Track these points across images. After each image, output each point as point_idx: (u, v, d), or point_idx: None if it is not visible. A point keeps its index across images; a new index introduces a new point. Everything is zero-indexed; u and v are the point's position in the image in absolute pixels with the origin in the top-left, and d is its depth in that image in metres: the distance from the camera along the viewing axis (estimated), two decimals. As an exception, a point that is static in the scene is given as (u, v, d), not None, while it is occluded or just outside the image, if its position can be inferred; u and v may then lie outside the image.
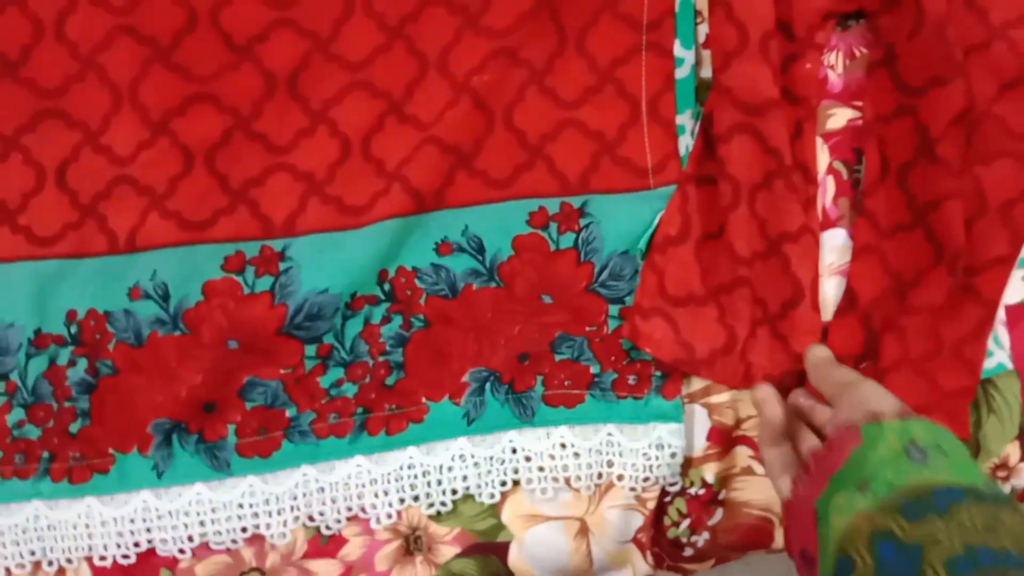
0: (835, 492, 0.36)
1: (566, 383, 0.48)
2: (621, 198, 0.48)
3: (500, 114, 0.47)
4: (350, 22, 0.46)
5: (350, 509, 0.48)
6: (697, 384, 0.48)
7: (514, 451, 0.48)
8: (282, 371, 0.47)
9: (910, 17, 0.44)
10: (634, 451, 0.48)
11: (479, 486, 0.48)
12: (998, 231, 0.45)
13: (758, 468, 0.49)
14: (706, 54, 0.48)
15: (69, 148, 0.46)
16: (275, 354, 0.47)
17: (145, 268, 0.46)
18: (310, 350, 0.47)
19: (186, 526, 0.46)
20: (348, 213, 0.46)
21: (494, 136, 0.47)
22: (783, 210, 0.46)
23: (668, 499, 0.49)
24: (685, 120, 0.48)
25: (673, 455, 0.47)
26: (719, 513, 0.49)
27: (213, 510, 0.47)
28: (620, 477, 0.48)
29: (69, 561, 0.47)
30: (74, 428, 0.46)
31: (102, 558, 0.47)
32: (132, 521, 0.46)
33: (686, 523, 0.49)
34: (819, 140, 0.48)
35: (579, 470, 0.48)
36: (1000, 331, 0.48)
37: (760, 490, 0.49)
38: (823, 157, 0.48)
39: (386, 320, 0.47)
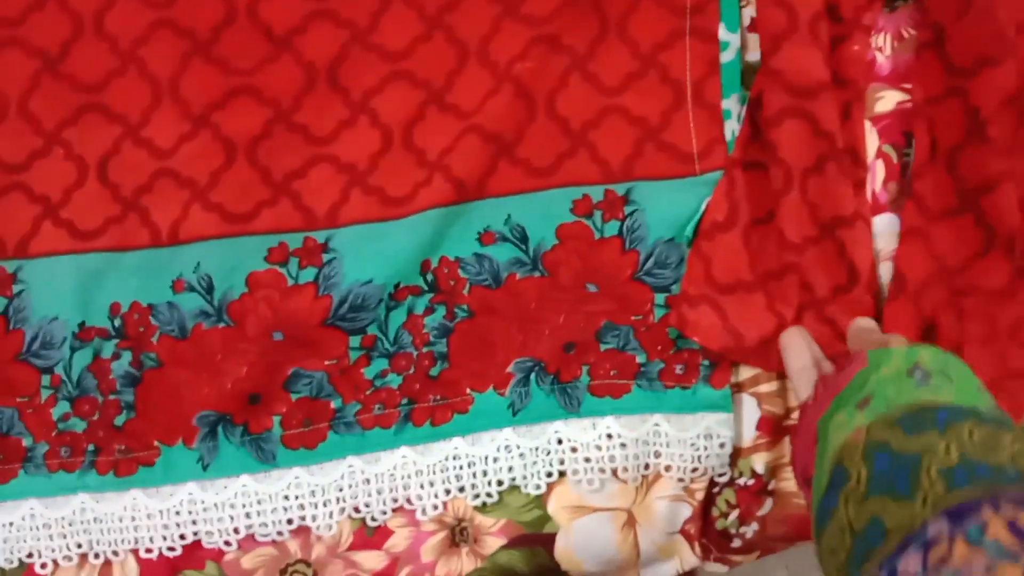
0: (836, 411, 0.36)
1: (612, 373, 0.47)
2: (666, 185, 0.47)
3: (542, 102, 0.46)
4: (389, 12, 0.46)
5: (396, 500, 0.47)
6: (746, 373, 0.48)
7: (560, 442, 0.47)
8: (327, 362, 0.47)
9: None
10: (682, 441, 0.47)
11: (525, 477, 0.47)
12: None
13: (807, 458, 0.48)
14: (751, 37, 0.47)
15: (110, 142, 0.46)
16: (320, 345, 0.46)
17: (188, 261, 0.46)
18: (354, 341, 0.47)
19: (232, 518, 0.46)
20: (390, 204, 0.46)
21: (536, 124, 0.47)
22: (836, 194, 0.45)
23: (717, 490, 0.48)
24: (731, 105, 0.47)
25: (722, 445, 0.47)
26: (768, 503, 0.48)
27: (259, 502, 0.46)
28: (668, 468, 0.47)
29: (115, 554, 0.47)
30: (119, 421, 0.46)
31: (148, 551, 0.47)
32: (178, 513, 0.46)
33: (735, 514, 0.48)
34: (868, 123, 0.47)
35: (626, 461, 0.47)
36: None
37: (810, 481, 0.48)
38: (872, 141, 0.47)
39: (429, 311, 0.47)
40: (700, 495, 0.48)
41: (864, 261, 0.45)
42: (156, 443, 0.46)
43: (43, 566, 0.47)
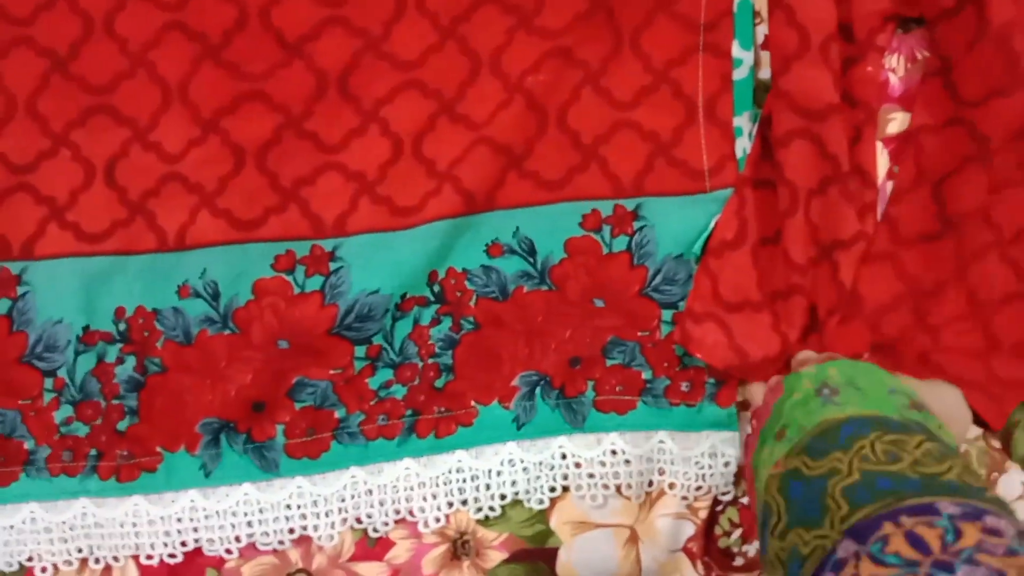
0: (762, 446, 0.37)
1: (617, 389, 0.47)
2: (676, 201, 0.47)
3: (553, 115, 0.46)
4: (402, 21, 0.46)
5: (398, 512, 0.47)
6: (751, 392, 0.48)
7: (564, 457, 0.47)
8: (331, 372, 0.46)
9: (971, 26, 0.43)
10: (687, 459, 0.47)
11: (528, 491, 0.47)
12: None
13: (810, 478, 0.48)
14: (765, 55, 0.47)
15: (118, 145, 0.46)
16: (325, 355, 0.46)
17: (195, 266, 0.46)
18: (360, 351, 0.46)
19: (233, 526, 0.46)
20: (399, 213, 0.46)
21: (547, 137, 0.46)
22: (837, 217, 0.45)
23: (720, 508, 0.48)
24: (743, 122, 0.47)
25: (727, 464, 0.47)
26: (770, 523, 0.48)
27: (261, 511, 0.46)
28: (672, 485, 0.47)
29: (116, 559, 0.47)
30: (122, 426, 0.46)
31: (149, 557, 0.47)
32: (179, 520, 0.46)
33: (738, 533, 0.48)
34: (879, 145, 0.47)
35: (630, 478, 0.47)
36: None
37: (812, 500, 0.48)
38: (883, 162, 0.47)
39: (436, 322, 0.47)
40: (703, 513, 0.48)
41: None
42: (159, 449, 0.46)
43: (43, 570, 0.47)
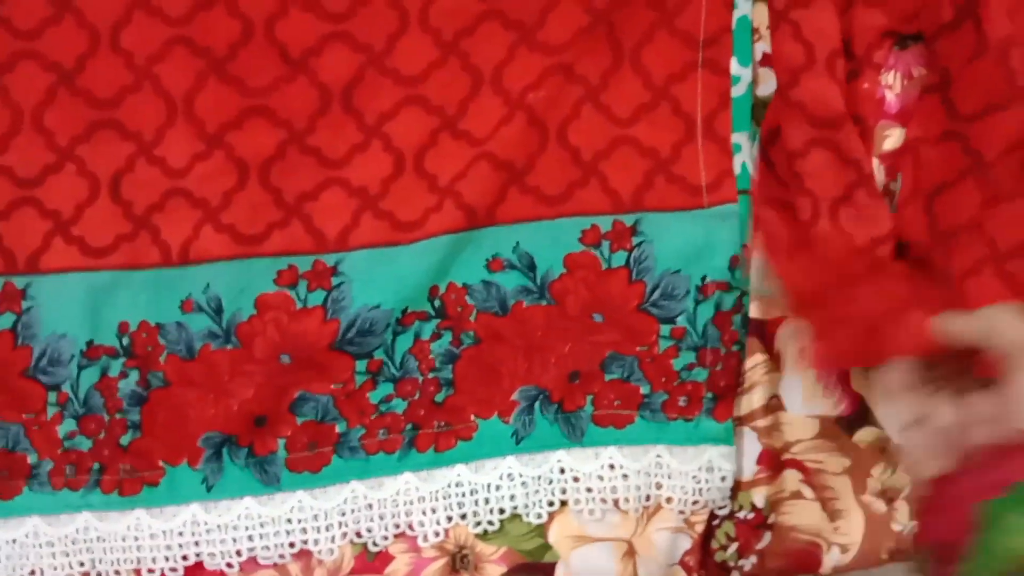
0: (1009, 509, 0.33)
1: (616, 403, 0.48)
2: (674, 216, 0.47)
3: (554, 131, 0.47)
4: (405, 37, 0.46)
5: (398, 526, 0.47)
6: (746, 407, 0.48)
7: (562, 471, 0.48)
8: (333, 386, 0.47)
9: (970, 42, 0.44)
10: (684, 474, 0.47)
11: (527, 506, 0.48)
12: None
13: (807, 492, 0.49)
14: (763, 72, 0.48)
15: (123, 159, 0.46)
16: (326, 369, 0.47)
17: (198, 281, 0.46)
18: (360, 365, 0.47)
19: (235, 540, 0.46)
20: (401, 228, 0.46)
21: (548, 153, 0.47)
22: (870, 218, 0.45)
23: (717, 522, 0.49)
24: (741, 139, 0.47)
25: (723, 478, 0.47)
26: (767, 537, 0.49)
27: (262, 525, 0.47)
28: (669, 499, 0.48)
29: (117, 573, 0.47)
30: (125, 440, 0.46)
31: (150, 571, 0.47)
32: (181, 534, 0.46)
33: (734, 547, 0.49)
34: (876, 161, 0.48)
35: (628, 492, 0.47)
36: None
37: (809, 515, 0.49)
38: (879, 177, 0.48)
39: (436, 336, 0.47)
40: (700, 527, 0.48)
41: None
42: (161, 463, 0.47)
43: (45, 583, 0.47)
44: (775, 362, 0.48)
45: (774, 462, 0.48)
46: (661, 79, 0.47)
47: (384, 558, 0.48)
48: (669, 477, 0.47)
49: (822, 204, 0.45)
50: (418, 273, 0.46)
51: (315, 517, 0.47)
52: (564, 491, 0.48)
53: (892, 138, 0.48)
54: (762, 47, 0.48)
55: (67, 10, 0.45)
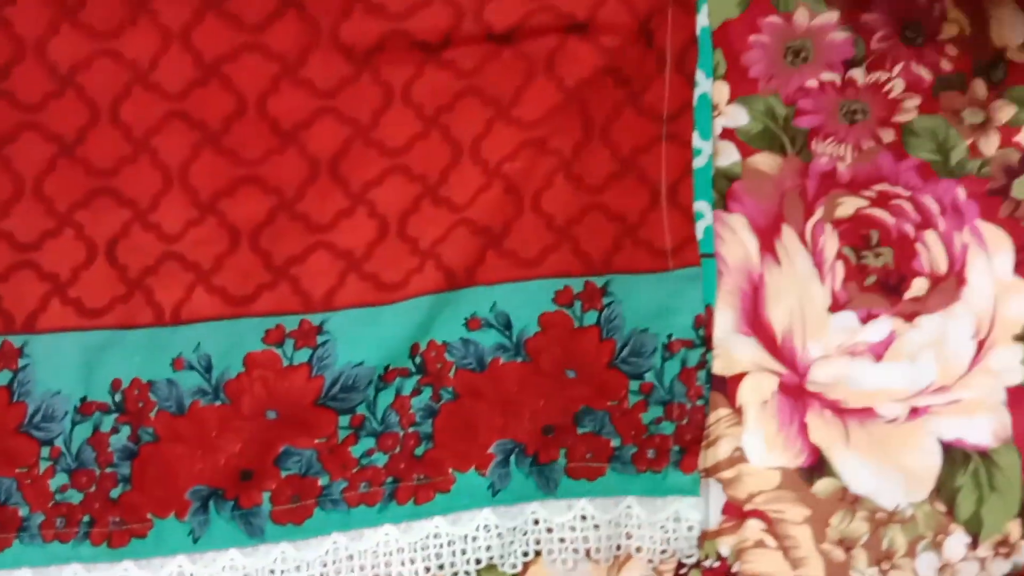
0: None
1: (588, 456, 0.50)
2: (642, 278, 0.50)
3: (529, 198, 0.49)
4: (389, 111, 0.49)
5: (377, 576, 0.49)
6: (712, 459, 0.50)
7: (536, 522, 0.49)
8: (316, 441, 0.48)
9: None
10: (652, 524, 0.49)
11: (502, 556, 0.49)
12: None
13: (770, 541, 0.51)
14: (722, 144, 0.51)
15: (120, 225, 0.48)
16: (311, 424, 0.48)
17: (189, 340, 0.48)
18: (344, 420, 0.48)
19: (219, 591, 0.48)
20: (384, 289, 0.49)
21: (523, 219, 0.49)
22: None
23: (684, 571, 0.50)
24: (702, 207, 0.51)
25: (690, 528, 0.49)
26: (733, 585, 0.51)
27: (246, 575, 0.48)
28: (639, 549, 0.49)
29: (103, 623, 0.48)
30: (115, 493, 0.48)
31: (136, 621, 0.48)
32: (167, 585, 0.47)
33: (702, 595, 0.50)
34: (828, 227, 0.51)
35: (599, 542, 0.49)
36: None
37: (772, 563, 0.50)
38: (832, 244, 0.51)
39: (416, 392, 0.49)
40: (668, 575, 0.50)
41: None
42: (149, 515, 0.48)
43: (33, 635, 0.48)
44: (738, 415, 0.51)
45: (738, 512, 0.50)
46: (628, 151, 0.50)
47: (364, 608, 0.49)
48: (639, 527, 0.49)
49: None
50: (400, 332, 0.49)
51: (297, 568, 0.48)
52: (538, 541, 0.49)
53: (844, 206, 0.51)
54: (722, 121, 0.52)
55: (69, 85, 0.48)
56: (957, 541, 0.50)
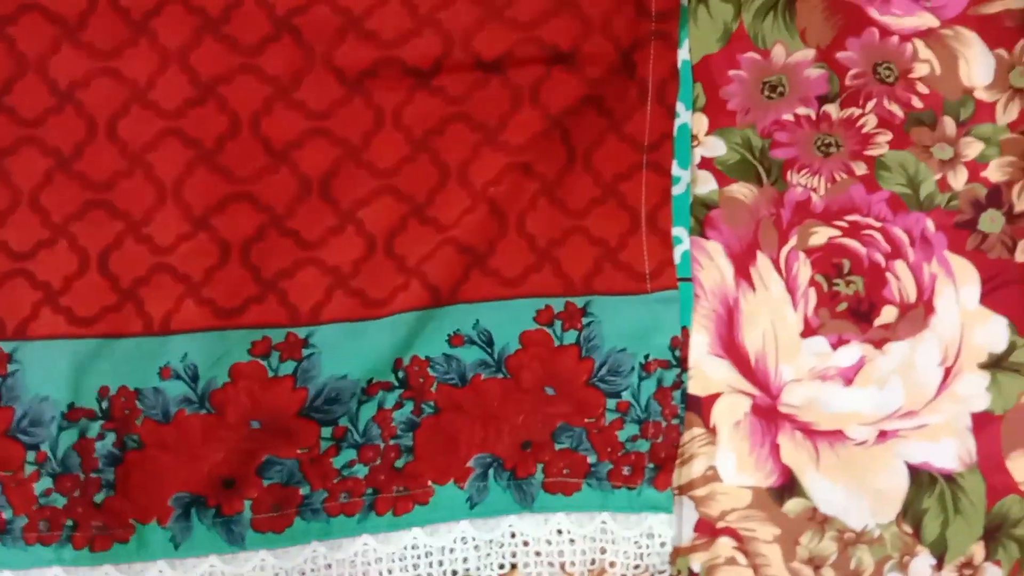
0: None
1: (564, 471, 0.51)
2: (621, 300, 0.51)
3: (513, 220, 0.51)
4: (380, 134, 0.51)
5: (355, 586, 0.49)
6: (685, 477, 0.51)
7: (513, 535, 0.50)
8: (299, 451, 0.49)
9: None
10: (626, 539, 0.50)
11: (479, 568, 0.50)
12: None
13: (741, 559, 0.52)
14: (701, 174, 0.53)
15: (113, 237, 0.49)
16: (293, 435, 0.49)
17: (177, 350, 0.49)
18: (326, 432, 0.49)
19: (198, 598, 0.48)
20: (370, 305, 0.50)
21: (507, 240, 0.51)
22: None
23: (657, 587, 0.51)
24: (680, 232, 0.52)
25: (663, 544, 0.50)
26: (705, 603, 0.51)
27: (225, 583, 0.48)
28: (612, 564, 0.50)
29: (82, 627, 0.48)
30: (99, 499, 0.48)
31: (115, 625, 0.48)
32: (147, 590, 0.48)
33: (673, 611, 0.51)
34: (802, 255, 0.53)
35: (574, 556, 0.50)
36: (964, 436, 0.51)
37: (744, 582, 0.52)
38: (805, 271, 0.53)
39: (398, 405, 0.50)
40: (642, 591, 0.51)
41: None
42: (132, 521, 0.48)
43: (11, 639, 0.48)
44: (712, 435, 0.52)
45: (710, 530, 0.51)
46: (610, 177, 0.52)
47: (341, 617, 0.50)
48: (613, 542, 0.50)
49: None
50: (384, 346, 0.50)
51: (276, 576, 0.49)
52: (515, 554, 0.50)
53: (818, 235, 0.53)
54: (700, 151, 0.54)
55: (68, 101, 0.49)
56: (923, 562, 0.51)
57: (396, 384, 0.50)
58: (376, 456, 0.50)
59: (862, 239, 0.53)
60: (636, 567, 0.50)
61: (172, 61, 0.50)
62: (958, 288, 0.53)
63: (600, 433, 0.51)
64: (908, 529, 0.51)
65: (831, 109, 0.54)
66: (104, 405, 0.49)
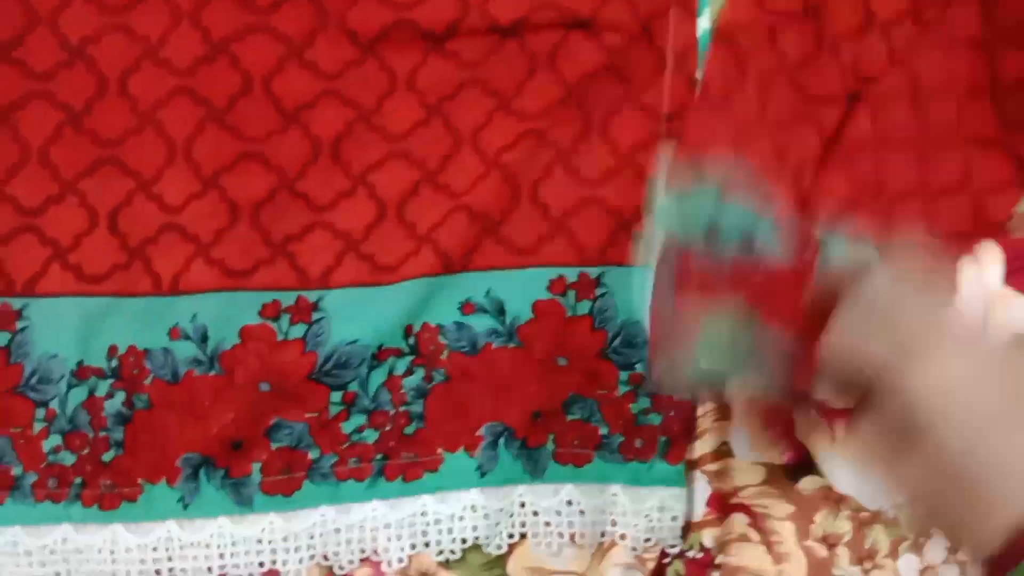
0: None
1: (575, 443, 0.50)
2: (635, 271, 0.51)
3: (527, 189, 0.50)
4: (393, 97, 0.50)
5: (363, 551, 0.49)
6: (698, 452, 0.51)
7: (523, 505, 0.50)
8: (308, 415, 0.49)
9: None
10: (637, 512, 0.50)
11: (488, 537, 0.50)
12: None
13: (754, 536, 0.51)
14: (719, 144, 0.52)
15: (123, 194, 0.49)
16: (303, 398, 0.49)
17: (186, 310, 0.49)
18: (336, 396, 0.49)
19: (206, 557, 0.48)
20: (380, 271, 0.49)
21: (520, 208, 0.50)
22: None
23: (667, 560, 0.51)
24: (697, 203, 0.51)
25: (674, 518, 0.50)
26: (715, 577, 0.51)
27: (233, 543, 0.48)
28: (623, 536, 0.50)
29: (91, 586, 0.48)
30: (107, 457, 0.48)
31: (123, 584, 0.48)
32: (155, 549, 0.48)
33: (683, 585, 0.51)
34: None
35: (584, 527, 0.50)
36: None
37: (755, 557, 0.51)
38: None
39: (409, 372, 0.50)
40: (651, 565, 0.50)
41: None
42: (140, 481, 0.48)
43: (18, 594, 0.48)
44: (724, 410, 0.51)
45: (723, 505, 0.51)
46: (627, 147, 0.51)
47: (348, 581, 0.50)
48: (623, 515, 0.50)
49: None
50: (394, 312, 0.49)
51: (284, 539, 0.49)
52: (524, 524, 0.50)
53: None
54: (719, 121, 0.53)
55: (80, 57, 0.49)
56: (938, 544, 0.51)
57: (407, 350, 0.50)
58: (386, 422, 0.50)
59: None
60: (647, 541, 0.50)
61: (184, 18, 0.49)
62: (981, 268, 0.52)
63: (612, 405, 0.50)
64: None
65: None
66: (113, 364, 0.49)
